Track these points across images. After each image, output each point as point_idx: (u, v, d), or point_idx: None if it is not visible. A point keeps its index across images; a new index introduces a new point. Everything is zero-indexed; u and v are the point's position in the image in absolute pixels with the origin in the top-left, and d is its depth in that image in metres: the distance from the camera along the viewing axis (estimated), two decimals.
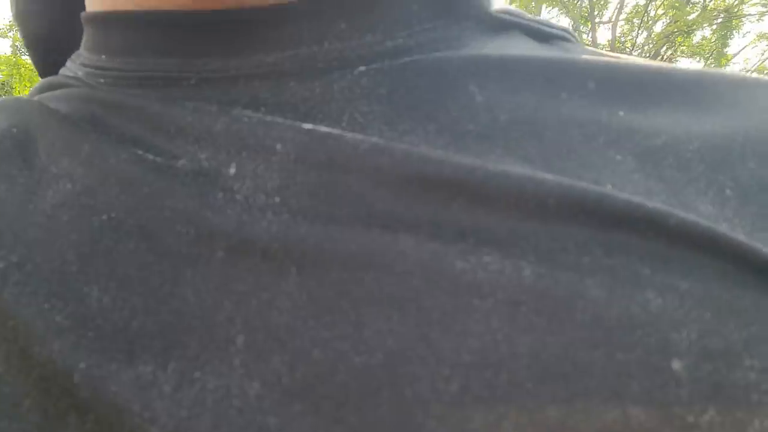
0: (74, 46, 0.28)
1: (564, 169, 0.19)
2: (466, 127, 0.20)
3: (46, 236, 0.19)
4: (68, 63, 0.27)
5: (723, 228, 0.18)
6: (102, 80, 0.23)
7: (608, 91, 0.21)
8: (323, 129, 0.20)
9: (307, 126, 0.20)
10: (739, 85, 0.22)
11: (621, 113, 0.21)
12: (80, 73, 0.25)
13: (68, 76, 0.25)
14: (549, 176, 0.18)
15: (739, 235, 0.17)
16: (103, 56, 0.24)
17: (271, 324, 0.17)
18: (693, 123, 0.20)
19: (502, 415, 0.15)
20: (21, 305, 0.18)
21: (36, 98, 0.24)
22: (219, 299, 0.17)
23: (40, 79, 0.30)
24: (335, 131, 0.20)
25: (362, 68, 0.22)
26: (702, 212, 0.18)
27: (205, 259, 0.18)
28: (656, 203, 0.18)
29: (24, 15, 0.31)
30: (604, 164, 0.19)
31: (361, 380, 0.16)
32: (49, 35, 0.30)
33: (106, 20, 0.24)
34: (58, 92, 0.24)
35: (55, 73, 0.28)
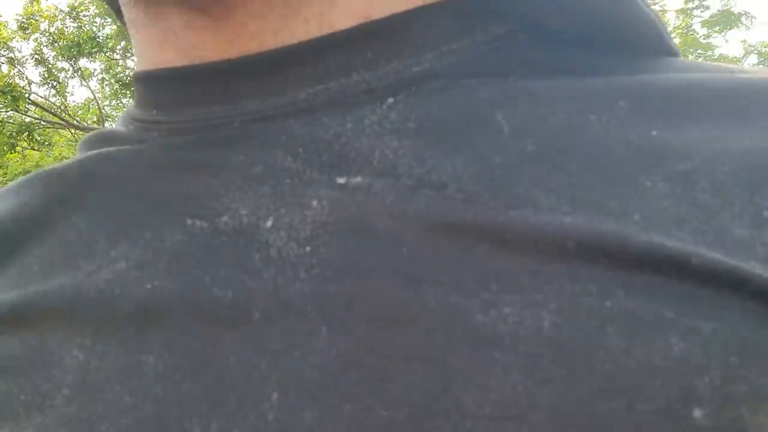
0: None
1: (591, 200, 0.19)
2: (494, 160, 0.20)
3: (106, 314, 0.21)
4: (120, 117, 0.29)
5: (759, 252, 0.17)
6: (155, 134, 0.25)
7: (640, 109, 0.21)
8: (355, 181, 0.21)
9: (341, 180, 0.21)
10: None
11: (654, 132, 0.20)
12: (132, 128, 0.27)
13: (120, 131, 0.27)
14: (568, 219, 0.18)
15: None
16: (154, 111, 0.26)
17: (303, 380, 0.18)
18: (730, 139, 0.20)
19: None
20: (99, 391, 0.20)
21: (92, 165, 0.26)
22: (256, 359, 0.19)
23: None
24: (366, 181, 0.21)
25: (390, 101, 0.22)
26: (736, 237, 0.18)
27: (243, 321, 0.19)
28: (677, 242, 0.17)
29: None
30: (633, 191, 0.19)
31: None
32: None
33: (154, 78, 0.26)
34: (112, 153, 0.26)
35: None
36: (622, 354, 0.16)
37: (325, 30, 0.23)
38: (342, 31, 0.23)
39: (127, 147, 0.26)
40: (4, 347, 0.22)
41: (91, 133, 0.29)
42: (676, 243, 0.17)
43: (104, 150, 0.26)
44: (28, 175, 0.28)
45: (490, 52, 0.23)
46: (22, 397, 0.20)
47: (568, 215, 0.18)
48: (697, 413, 0.15)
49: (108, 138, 0.27)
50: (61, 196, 0.25)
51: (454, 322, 0.18)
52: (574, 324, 0.17)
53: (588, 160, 0.20)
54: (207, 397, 0.18)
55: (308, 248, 0.20)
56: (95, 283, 0.22)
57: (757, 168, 0.19)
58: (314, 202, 0.21)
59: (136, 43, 0.27)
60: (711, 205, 0.18)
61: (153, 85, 0.26)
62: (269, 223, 0.21)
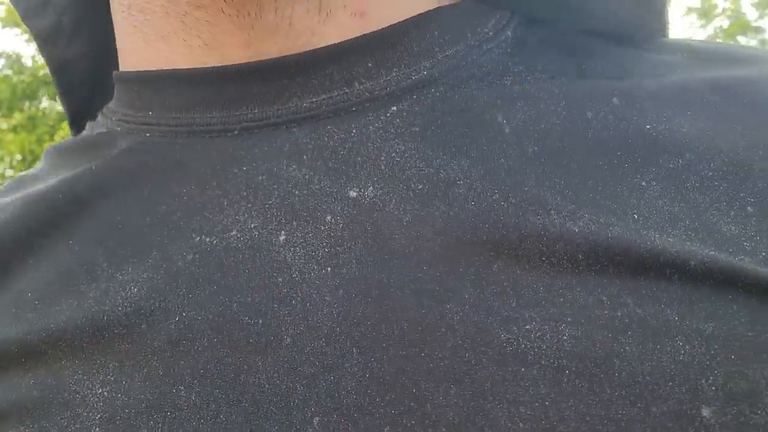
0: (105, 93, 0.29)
1: (592, 200, 0.20)
2: (498, 161, 0.21)
3: (130, 346, 0.20)
4: (100, 118, 0.27)
5: (746, 247, 0.19)
6: (148, 134, 0.25)
7: (632, 104, 0.22)
8: (367, 194, 0.21)
9: (353, 194, 0.21)
10: (759, 89, 0.22)
11: (647, 127, 0.21)
12: (119, 129, 0.26)
13: (101, 136, 0.26)
14: (576, 229, 0.19)
15: (761, 256, 0.18)
16: (150, 112, 0.25)
17: (341, 404, 0.18)
18: (717, 135, 0.21)
19: None
20: (132, 427, 0.19)
21: (78, 183, 0.25)
22: (291, 383, 0.19)
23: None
24: (379, 197, 0.21)
25: (394, 108, 0.23)
26: (725, 234, 0.19)
27: (274, 346, 0.19)
28: (675, 243, 0.19)
29: (64, 63, 0.31)
30: (630, 192, 0.20)
31: None
32: (90, 83, 0.31)
33: (151, 78, 0.25)
34: (98, 167, 0.25)
35: (83, 118, 0.29)
36: (636, 361, 0.17)
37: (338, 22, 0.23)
38: (343, 42, 0.23)
39: (115, 158, 0.25)
40: (16, 388, 0.20)
41: (62, 142, 0.28)
42: (674, 245, 0.19)
43: (90, 166, 0.25)
44: (2, 191, 0.27)
45: (483, 55, 0.24)
46: None
47: (575, 220, 0.19)
48: (705, 412, 0.17)
49: (86, 146, 0.26)
50: (48, 217, 0.24)
51: (479, 340, 0.18)
52: (590, 336, 0.18)
53: (587, 160, 0.21)
54: (246, 424, 0.18)
55: (329, 269, 0.20)
56: (111, 313, 0.21)
57: (739, 164, 0.20)
58: (328, 217, 0.21)
59: (125, 37, 0.26)
60: (700, 203, 0.20)
61: (149, 85, 0.25)
62: (282, 238, 0.21)
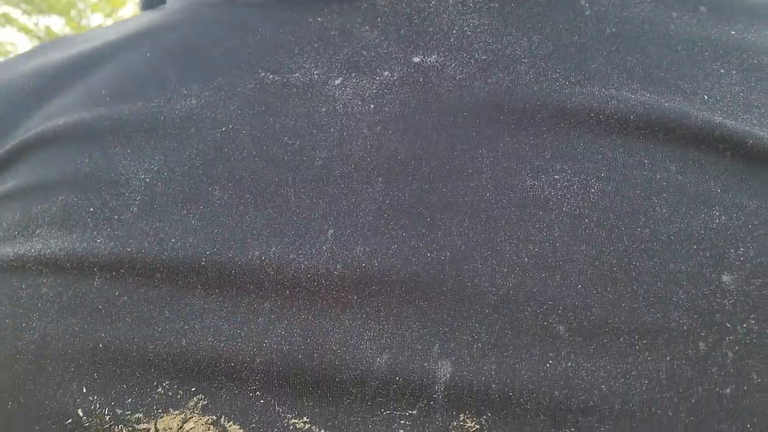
0: None
1: (662, 79, 0.20)
2: (571, 38, 0.21)
3: (178, 145, 0.22)
4: None
5: None
6: None
7: (720, 14, 0.22)
8: (429, 60, 0.22)
9: (416, 59, 0.22)
10: None
11: (732, 32, 0.21)
12: None
13: None
14: (635, 96, 0.19)
15: None
16: None
17: (357, 222, 0.19)
18: None
19: (549, 309, 0.17)
20: (167, 213, 0.21)
21: (179, 15, 0.27)
22: (315, 200, 0.20)
23: None
24: (440, 62, 0.22)
25: None
26: None
27: (305, 165, 0.21)
28: (739, 124, 0.18)
29: None
30: (705, 76, 0.20)
31: (430, 272, 0.18)
32: None
33: None
34: (202, 6, 0.27)
35: None
36: (664, 221, 0.17)
37: None
38: None
39: (213, 4, 0.27)
40: (72, 163, 0.23)
41: None
42: (736, 124, 0.18)
43: (191, 8, 0.27)
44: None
45: None
46: (91, 209, 0.22)
47: (636, 92, 0.19)
48: (726, 278, 0.17)
49: None
50: (142, 32, 0.26)
51: (504, 183, 0.19)
52: (620, 192, 0.18)
53: (665, 47, 0.21)
54: (268, 226, 0.20)
55: (372, 106, 0.21)
56: (168, 115, 0.23)
57: None
58: (386, 72, 0.22)
59: None
60: None
61: None
62: (338, 81, 0.22)
